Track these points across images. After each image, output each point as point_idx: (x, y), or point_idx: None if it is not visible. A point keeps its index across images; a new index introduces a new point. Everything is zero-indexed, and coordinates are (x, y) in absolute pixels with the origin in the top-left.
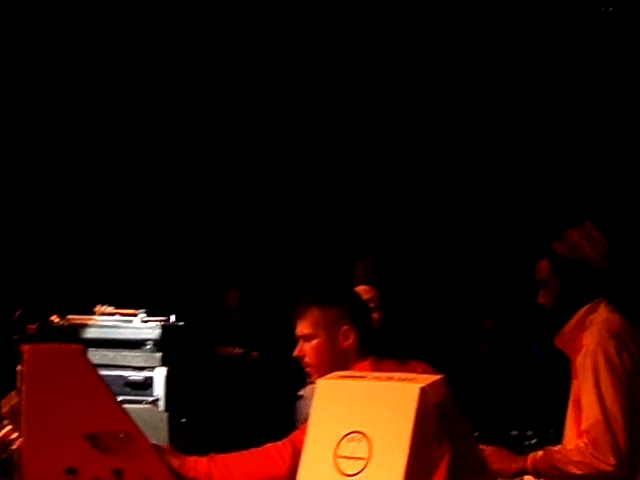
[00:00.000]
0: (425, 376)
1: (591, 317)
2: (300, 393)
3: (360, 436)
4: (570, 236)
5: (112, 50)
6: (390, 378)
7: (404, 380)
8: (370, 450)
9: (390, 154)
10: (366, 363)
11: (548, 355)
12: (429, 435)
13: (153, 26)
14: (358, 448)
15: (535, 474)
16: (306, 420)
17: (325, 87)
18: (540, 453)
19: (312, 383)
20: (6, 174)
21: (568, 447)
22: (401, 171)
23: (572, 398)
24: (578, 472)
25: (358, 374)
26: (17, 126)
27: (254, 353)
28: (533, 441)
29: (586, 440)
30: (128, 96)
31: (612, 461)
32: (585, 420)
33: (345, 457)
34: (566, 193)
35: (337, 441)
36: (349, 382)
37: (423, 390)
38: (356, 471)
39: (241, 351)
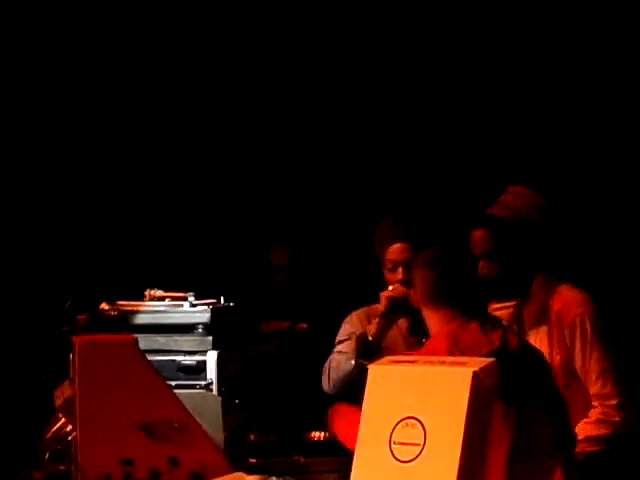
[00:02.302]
0: (478, 359)
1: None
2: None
3: (414, 422)
4: (504, 200)
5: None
6: (442, 362)
7: (456, 364)
8: (425, 436)
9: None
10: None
11: None
12: (484, 419)
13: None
14: (413, 434)
15: None
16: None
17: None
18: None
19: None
20: (48, 164)
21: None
22: None
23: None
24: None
25: (410, 358)
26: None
27: (301, 325)
28: None
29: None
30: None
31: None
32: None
33: (400, 443)
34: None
35: (392, 427)
36: (401, 367)
37: (476, 374)
38: (411, 457)
39: (287, 325)
